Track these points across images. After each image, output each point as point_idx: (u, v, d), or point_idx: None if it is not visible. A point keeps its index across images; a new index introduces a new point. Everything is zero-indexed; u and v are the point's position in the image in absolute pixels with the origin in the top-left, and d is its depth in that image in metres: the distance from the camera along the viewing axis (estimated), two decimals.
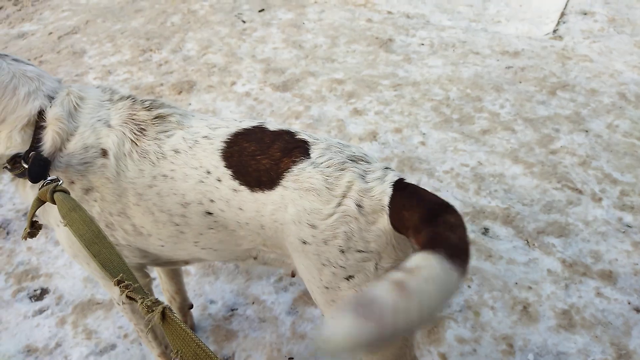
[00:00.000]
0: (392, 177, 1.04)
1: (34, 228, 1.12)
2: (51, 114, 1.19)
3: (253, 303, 1.92)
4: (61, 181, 1.12)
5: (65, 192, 1.08)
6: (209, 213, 1.18)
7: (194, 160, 1.16)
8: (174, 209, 1.20)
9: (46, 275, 2.05)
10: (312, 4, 4.17)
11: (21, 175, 1.21)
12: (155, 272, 1.78)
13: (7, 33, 4.14)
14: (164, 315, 0.84)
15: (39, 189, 1.11)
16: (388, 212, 1.00)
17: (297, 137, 1.14)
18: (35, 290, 2.00)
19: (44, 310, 1.92)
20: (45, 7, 4.52)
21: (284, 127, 1.19)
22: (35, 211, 1.11)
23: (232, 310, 1.91)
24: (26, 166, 1.16)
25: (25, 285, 2.02)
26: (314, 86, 3.11)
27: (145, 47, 3.64)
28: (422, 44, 3.54)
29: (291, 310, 1.89)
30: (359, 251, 1.02)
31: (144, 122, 1.23)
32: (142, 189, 1.21)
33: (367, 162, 1.08)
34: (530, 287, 1.92)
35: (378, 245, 1.02)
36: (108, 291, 1.49)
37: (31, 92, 1.20)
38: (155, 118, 1.24)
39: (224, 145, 1.15)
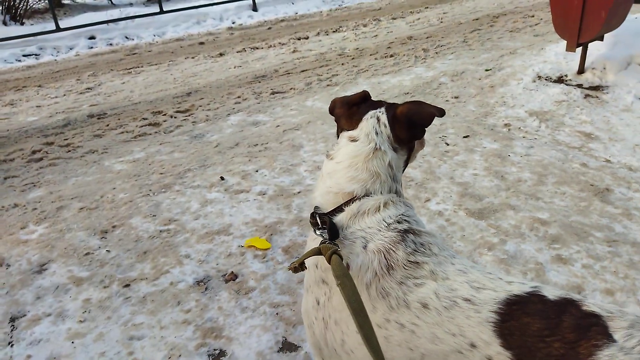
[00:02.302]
0: None
1: (301, 267, 1.22)
2: (355, 204, 1.30)
3: None
4: (339, 248, 1.20)
5: (341, 258, 1.16)
6: None
7: (452, 325, 1.05)
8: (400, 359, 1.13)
9: (227, 338, 2.20)
10: (520, 137, 4.12)
11: (312, 224, 1.33)
12: None
13: (245, 119, 4.99)
14: None
15: (321, 243, 1.21)
16: None
17: (585, 309, 0.97)
18: (215, 350, 2.16)
19: None
20: (278, 104, 5.37)
21: (561, 292, 1.04)
22: (309, 256, 1.21)
23: None
24: (318, 220, 1.29)
25: (208, 342, 2.20)
26: (513, 220, 2.95)
27: None
28: None
29: None
30: None
31: (396, 261, 1.18)
32: None
33: None
34: None
35: None
36: None
37: (357, 179, 1.33)
38: (409, 262, 1.18)
39: (497, 317, 1.01)
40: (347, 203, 1.32)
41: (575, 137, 4.10)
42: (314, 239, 1.37)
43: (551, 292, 1.03)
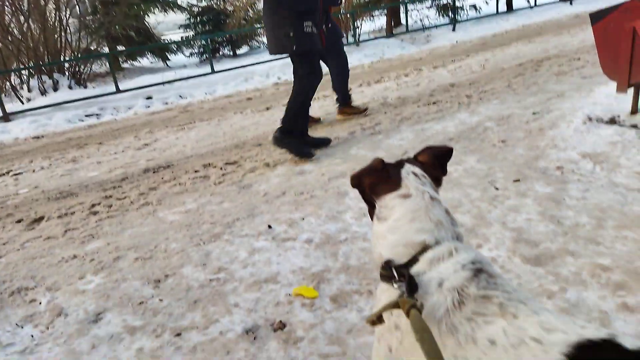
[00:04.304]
0: None
1: (379, 321, 1.22)
2: (429, 253, 1.31)
3: None
4: (419, 302, 1.18)
5: (420, 312, 1.15)
6: None
7: None
8: None
9: None
10: (574, 180, 3.96)
11: (384, 279, 1.35)
12: None
13: (291, 169, 5.09)
14: None
15: (399, 297, 1.21)
16: None
17: None
18: None
19: None
20: (323, 154, 5.47)
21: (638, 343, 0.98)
22: (387, 310, 1.21)
23: None
24: (395, 273, 1.30)
25: None
26: (573, 267, 2.80)
27: None
28: None
29: None
30: None
31: (467, 296, 1.18)
32: None
33: None
34: None
35: None
36: None
37: (425, 229, 1.35)
38: (480, 297, 1.16)
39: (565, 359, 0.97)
40: (420, 253, 1.33)
41: (633, 179, 3.90)
42: (384, 291, 1.38)
43: (629, 342, 0.96)
